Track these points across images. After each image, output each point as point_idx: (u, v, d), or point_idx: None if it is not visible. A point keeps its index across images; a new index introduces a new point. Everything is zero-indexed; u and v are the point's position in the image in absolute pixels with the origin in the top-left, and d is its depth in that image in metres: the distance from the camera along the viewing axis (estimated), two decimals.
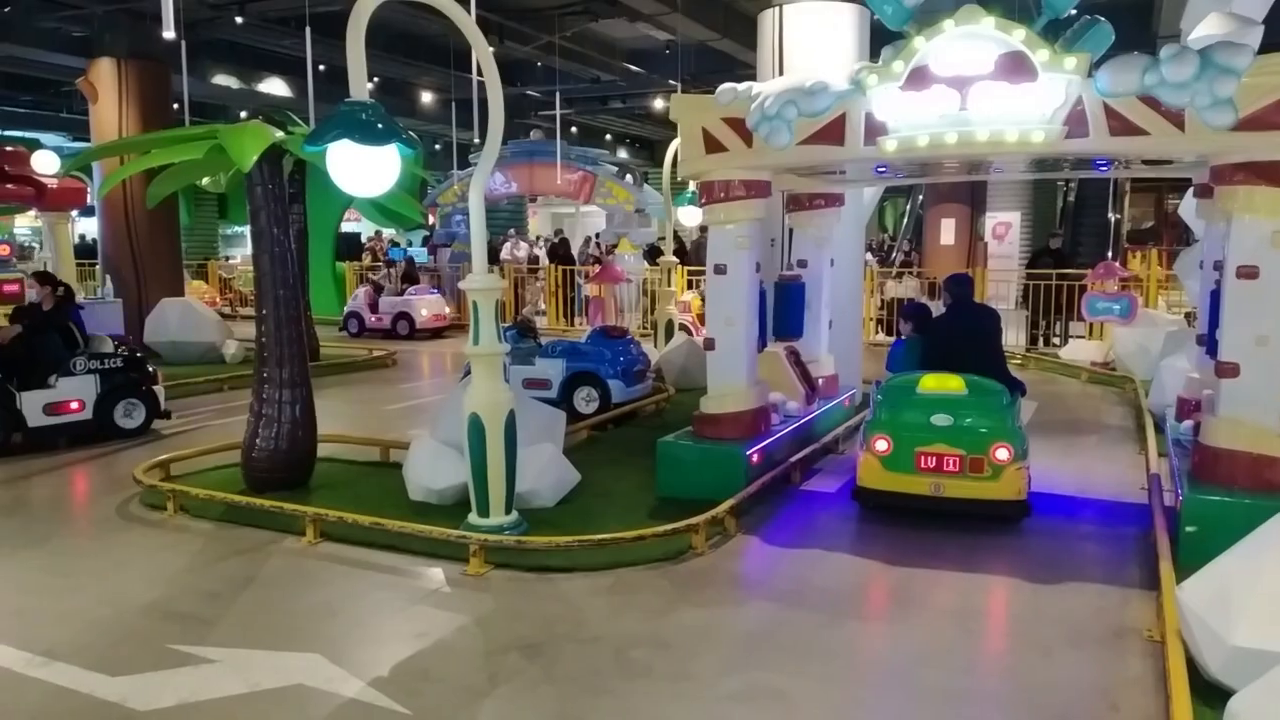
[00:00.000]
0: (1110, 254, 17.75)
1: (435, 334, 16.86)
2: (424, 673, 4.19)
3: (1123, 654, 4.32)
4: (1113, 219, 19.37)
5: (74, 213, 14.93)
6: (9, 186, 13.28)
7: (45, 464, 7.99)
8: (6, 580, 5.35)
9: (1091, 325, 13.07)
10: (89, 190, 14.19)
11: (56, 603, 4.96)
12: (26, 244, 22.23)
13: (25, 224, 24.28)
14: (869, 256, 18.80)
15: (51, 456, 8.19)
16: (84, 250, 19.79)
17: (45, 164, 13.23)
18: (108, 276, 12.68)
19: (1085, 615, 4.73)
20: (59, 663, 4.23)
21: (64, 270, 14.22)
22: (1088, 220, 20.10)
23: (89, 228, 20.12)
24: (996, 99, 5.48)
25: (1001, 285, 16.08)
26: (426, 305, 16.67)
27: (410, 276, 18.34)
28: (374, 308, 16.80)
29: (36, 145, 15.50)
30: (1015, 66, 5.36)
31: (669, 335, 12.20)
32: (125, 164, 7.83)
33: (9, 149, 14.00)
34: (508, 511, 5.72)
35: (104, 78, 13.47)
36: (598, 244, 22.00)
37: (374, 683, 4.04)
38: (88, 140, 15.26)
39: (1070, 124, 5.44)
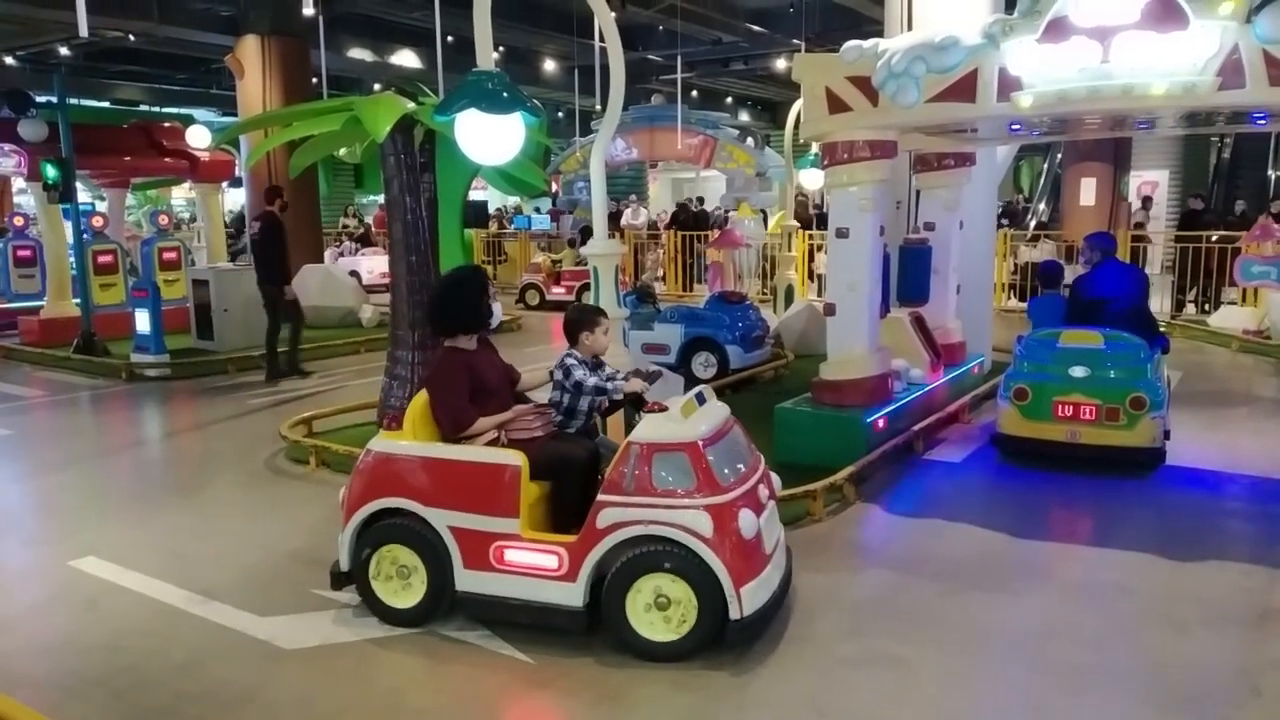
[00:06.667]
0: (1269, 214, 16.49)
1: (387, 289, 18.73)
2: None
3: (1267, 636, 4.11)
4: (1272, 176, 17.97)
5: (224, 184, 15.78)
6: (166, 160, 14.17)
7: (199, 418, 8.62)
8: (170, 526, 5.81)
9: (1245, 291, 12.25)
10: (237, 162, 14.99)
11: (213, 548, 5.36)
12: (183, 215, 23.72)
13: (180, 195, 25.84)
14: (1002, 219, 18.04)
15: (205, 410, 8.85)
16: (234, 220, 21.06)
17: (198, 138, 14.02)
18: None
19: (1227, 595, 4.51)
20: (215, 602, 4.59)
21: (214, 239, 15.14)
22: (1244, 178, 18.73)
23: (238, 199, 21.43)
24: (1142, 49, 5.18)
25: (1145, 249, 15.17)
26: (372, 264, 18.86)
27: (366, 240, 21.50)
28: None
29: (190, 121, 16.49)
30: (1164, 13, 5.04)
31: (788, 301, 12.06)
32: (269, 136, 8.24)
33: (166, 125, 14.93)
34: None
35: (249, 54, 14.16)
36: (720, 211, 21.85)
37: (498, 632, 4.21)
38: (235, 115, 16.09)
39: (1224, 74, 5.08)
